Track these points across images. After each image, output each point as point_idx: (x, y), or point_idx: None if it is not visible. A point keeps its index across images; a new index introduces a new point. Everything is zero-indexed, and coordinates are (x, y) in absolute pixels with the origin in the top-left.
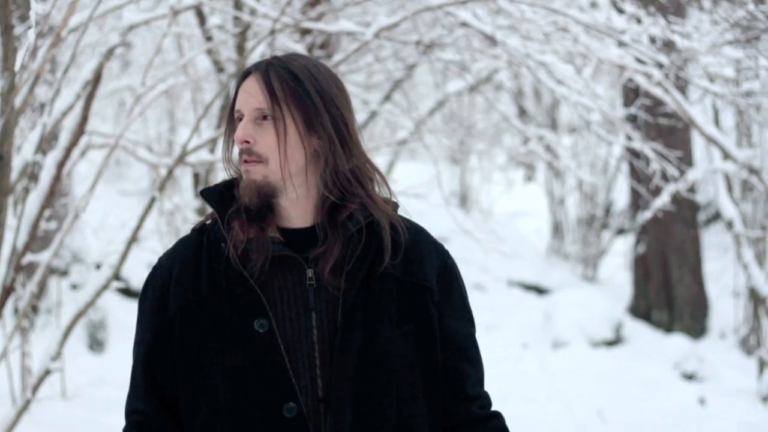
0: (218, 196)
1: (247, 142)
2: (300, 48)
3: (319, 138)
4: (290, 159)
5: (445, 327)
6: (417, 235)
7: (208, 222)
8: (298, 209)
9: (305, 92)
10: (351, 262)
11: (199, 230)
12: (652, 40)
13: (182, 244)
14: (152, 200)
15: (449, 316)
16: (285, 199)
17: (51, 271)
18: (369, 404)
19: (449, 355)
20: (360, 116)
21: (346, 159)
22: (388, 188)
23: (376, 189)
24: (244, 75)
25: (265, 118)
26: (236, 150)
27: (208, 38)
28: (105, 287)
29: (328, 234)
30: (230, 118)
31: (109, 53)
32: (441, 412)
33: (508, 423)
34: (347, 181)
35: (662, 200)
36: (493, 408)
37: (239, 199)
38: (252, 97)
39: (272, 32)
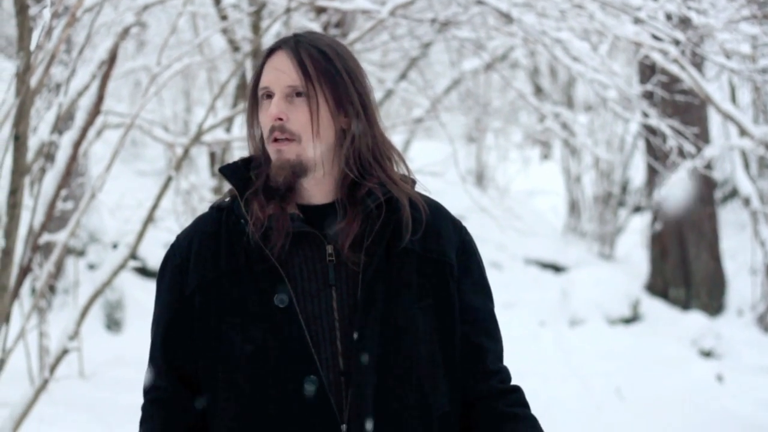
0: (237, 173)
1: (281, 119)
2: (315, 26)
3: (347, 116)
4: (322, 137)
5: (465, 302)
6: (435, 210)
7: (227, 199)
8: (319, 186)
9: (335, 70)
10: (370, 237)
11: (217, 208)
12: (668, 16)
13: (200, 222)
14: (168, 180)
15: (469, 292)
16: (311, 177)
17: (68, 251)
18: (389, 378)
19: (469, 330)
20: (376, 95)
21: (369, 137)
22: (406, 166)
23: (394, 167)
24: (269, 51)
25: (297, 95)
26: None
27: (223, 17)
28: (122, 267)
29: (348, 210)
30: (254, 95)
31: (125, 33)
32: (461, 387)
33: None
34: (368, 158)
35: (679, 177)
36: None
37: (257, 178)
38: (284, 74)
39: (287, 11)
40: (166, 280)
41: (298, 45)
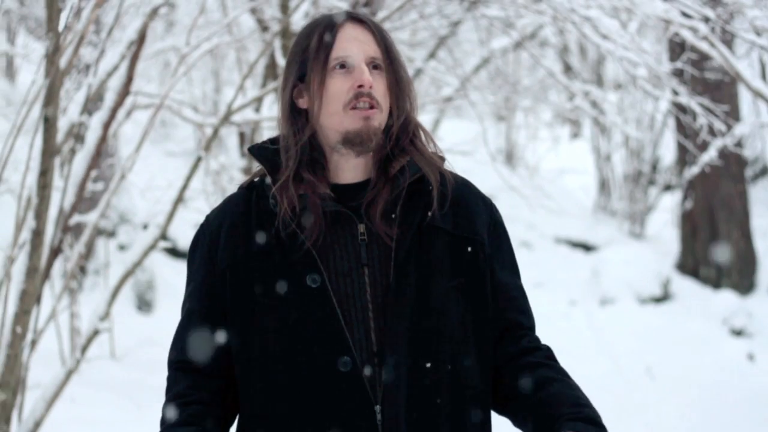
0: (266, 152)
1: (371, 86)
2: (344, 5)
3: (394, 94)
4: (385, 112)
5: (497, 280)
6: (465, 188)
7: (257, 179)
8: (353, 163)
9: (397, 52)
10: (402, 213)
11: (247, 187)
12: None
13: (230, 202)
14: (198, 160)
15: (500, 269)
16: (363, 152)
17: (98, 232)
18: (422, 357)
19: (501, 307)
20: None
21: (407, 114)
22: (434, 143)
23: (425, 143)
24: (334, 23)
25: (374, 68)
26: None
27: None
28: (152, 247)
29: (380, 187)
30: (323, 63)
31: (153, 13)
32: (493, 363)
33: None
34: (401, 135)
35: (709, 155)
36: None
37: (288, 157)
38: (365, 44)
39: None
40: (197, 258)
41: (369, 20)
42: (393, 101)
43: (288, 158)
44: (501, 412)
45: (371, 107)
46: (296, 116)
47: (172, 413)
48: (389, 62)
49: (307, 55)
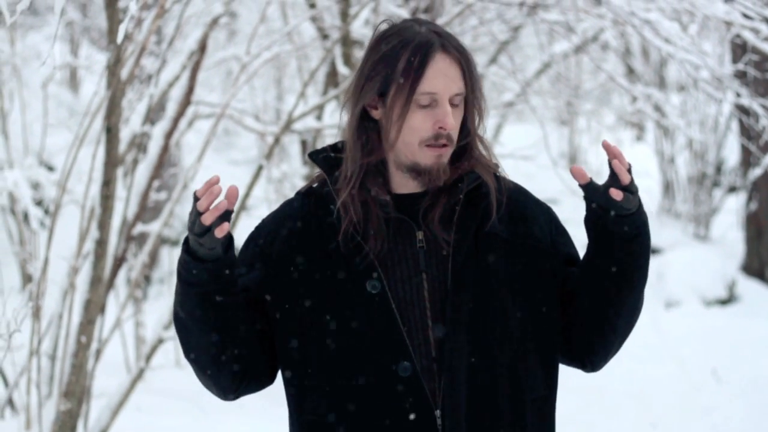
0: (327, 159)
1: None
2: (404, 12)
3: (467, 123)
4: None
5: (573, 256)
6: (521, 195)
7: (315, 185)
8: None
9: (479, 76)
10: (460, 220)
11: (305, 194)
12: None
13: (288, 207)
14: (260, 168)
15: (572, 249)
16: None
17: (162, 240)
18: (481, 364)
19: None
20: None
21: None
22: (488, 149)
23: (481, 150)
24: (425, 50)
25: (455, 104)
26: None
27: (312, 5)
28: None
29: (436, 193)
30: (408, 93)
31: (214, 23)
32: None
33: (622, 382)
34: (464, 151)
35: None
36: (606, 369)
37: (351, 169)
38: (452, 81)
39: None
40: (247, 256)
41: (458, 48)
42: (469, 118)
43: (352, 170)
44: (579, 337)
45: (445, 145)
46: (366, 125)
47: None
48: (471, 96)
49: (392, 75)
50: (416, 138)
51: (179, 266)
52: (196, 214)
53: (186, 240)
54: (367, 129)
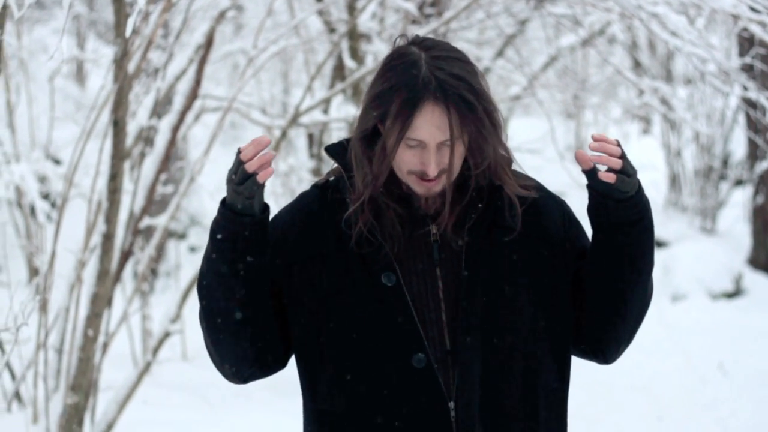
0: (342, 153)
1: (434, 174)
2: (410, 6)
3: (471, 151)
4: (457, 167)
5: (586, 249)
6: (534, 189)
7: (331, 179)
8: None
9: (477, 117)
10: (473, 218)
11: (321, 187)
12: None
13: (303, 199)
14: None
15: (586, 239)
16: None
17: (169, 234)
18: (494, 356)
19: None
20: None
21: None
22: (503, 145)
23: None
24: (416, 97)
25: (447, 144)
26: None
27: None
28: None
29: (452, 193)
30: (398, 133)
31: (221, 17)
32: (570, 361)
33: (629, 375)
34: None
35: None
36: (614, 361)
37: (364, 182)
38: (439, 131)
39: None
40: None
41: (447, 98)
42: (470, 155)
43: (365, 182)
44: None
45: (433, 180)
46: (373, 138)
47: None
48: (460, 138)
49: (387, 113)
50: (405, 168)
51: (213, 225)
52: (238, 163)
53: (222, 201)
54: (372, 143)
